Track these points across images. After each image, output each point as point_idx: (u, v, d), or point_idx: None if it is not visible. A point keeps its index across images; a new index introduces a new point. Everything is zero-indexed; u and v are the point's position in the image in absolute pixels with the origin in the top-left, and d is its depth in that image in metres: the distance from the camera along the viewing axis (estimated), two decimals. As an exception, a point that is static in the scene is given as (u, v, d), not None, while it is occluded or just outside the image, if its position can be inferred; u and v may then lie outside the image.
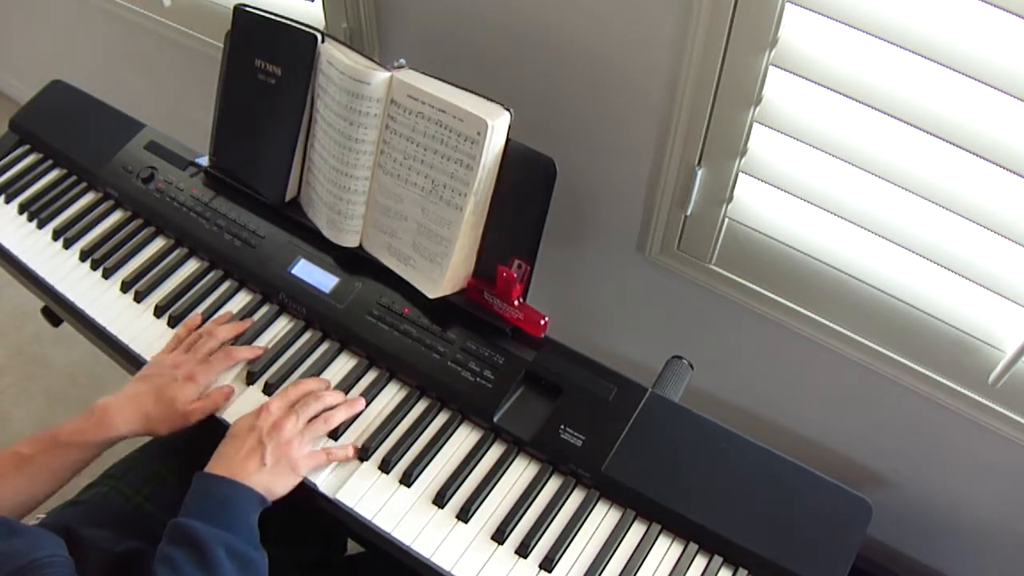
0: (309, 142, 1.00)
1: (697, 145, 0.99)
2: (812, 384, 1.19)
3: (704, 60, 0.90)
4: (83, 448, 0.83)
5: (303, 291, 0.98)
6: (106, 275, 1.03)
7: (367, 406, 0.90)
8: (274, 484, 0.80)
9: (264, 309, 0.99)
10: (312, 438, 0.85)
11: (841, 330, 1.06)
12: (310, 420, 0.86)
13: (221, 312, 0.99)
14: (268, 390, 0.92)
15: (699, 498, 0.81)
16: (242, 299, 1.00)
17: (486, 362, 0.90)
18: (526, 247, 0.90)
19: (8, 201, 1.13)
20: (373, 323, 0.94)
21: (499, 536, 0.81)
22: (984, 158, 0.78)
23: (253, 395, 0.92)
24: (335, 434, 0.88)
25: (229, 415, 0.89)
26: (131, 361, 0.96)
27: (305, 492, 0.84)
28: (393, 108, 0.92)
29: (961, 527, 1.18)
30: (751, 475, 0.82)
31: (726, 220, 1.05)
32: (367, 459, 0.86)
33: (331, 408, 0.88)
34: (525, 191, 0.89)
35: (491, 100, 0.88)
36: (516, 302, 0.91)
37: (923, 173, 0.85)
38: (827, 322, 1.06)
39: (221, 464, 0.80)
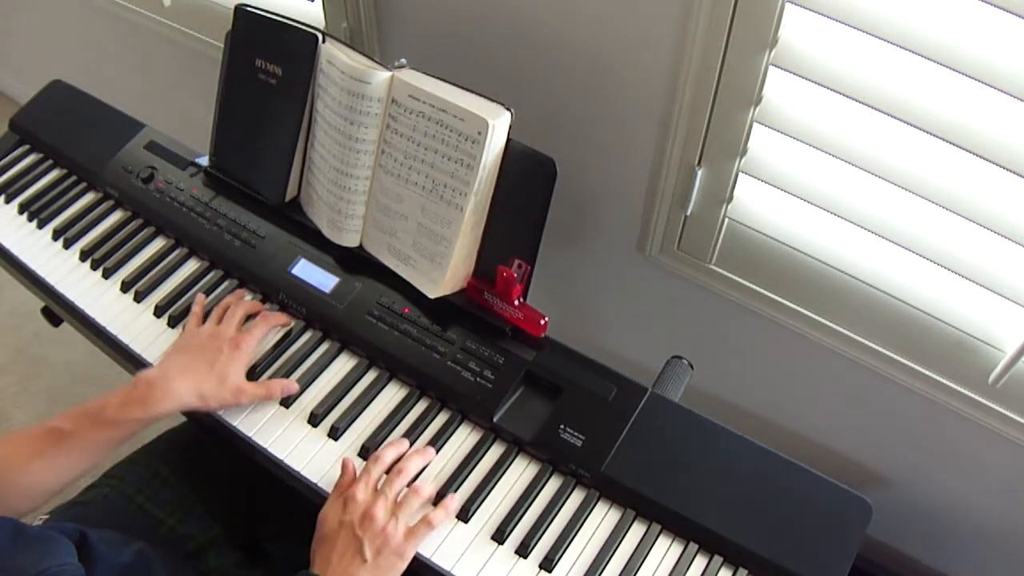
0: (309, 142, 1.00)
1: (697, 145, 0.99)
2: (812, 384, 1.19)
3: (704, 60, 0.90)
4: (128, 424, 0.81)
5: (303, 291, 0.98)
6: (106, 275, 1.03)
7: (367, 406, 0.90)
8: None
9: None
10: (407, 515, 0.78)
11: (841, 330, 1.06)
12: (400, 498, 0.79)
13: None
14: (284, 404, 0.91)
15: (699, 498, 0.81)
16: (242, 299, 1.00)
17: (486, 362, 0.90)
18: (526, 247, 0.90)
19: (8, 201, 1.13)
20: (373, 323, 0.94)
21: (499, 536, 0.81)
22: (984, 158, 0.78)
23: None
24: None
25: (246, 427, 0.88)
26: (131, 361, 0.96)
27: (306, 491, 0.84)
28: (394, 108, 0.92)
29: (961, 527, 1.18)
30: (751, 475, 0.82)
31: (726, 220, 1.05)
32: (367, 459, 0.86)
33: (417, 481, 0.82)
34: (525, 191, 0.89)
35: (492, 100, 0.88)
36: (516, 302, 0.91)
37: (923, 173, 0.85)
38: (827, 322, 1.06)
39: (321, 566, 0.75)
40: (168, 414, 0.83)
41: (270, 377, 0.92)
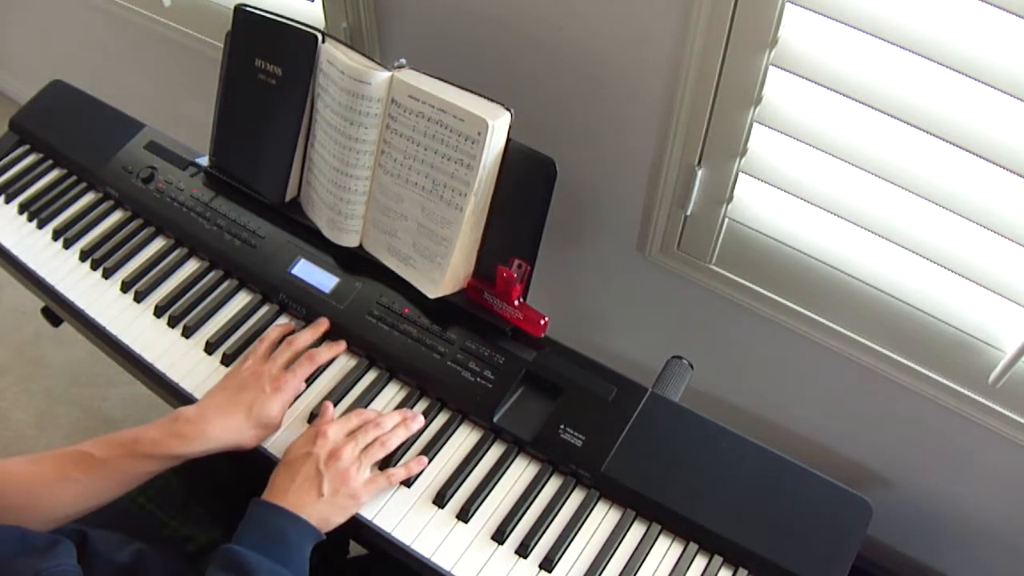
0: (309, 142, 1.00)
1: (697, 145, 0.99)
2: (812, 384, 1.19)
3: (704, 60, 0.90)
4: (162, 460, 0.79)
5: (303, 291, 0.98)
6: (106, 275, 1.03)
7: (367, 406, 0.90)
8: (332, 515, 0.78)
9: (264, 309, 0.99)
10: (370, 463, 0.82)
11: (841, 330, 1.06)
12: (368, 445, 0.83)
13: (223, 313, 0.99)
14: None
15: (699, 498, 0.81)
16: (242, 299, 1.00)
17: (486, 362, 0.90)
18: (526, 247, 0.90)
19: (8, 201, 1.13)
20: (373, 323, 0.94)
21: (499, 536, 0.81)
22: (984, 158, 0.78)
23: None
24: (392, 458, 0.85)
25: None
26: (131, 361, 0.96)
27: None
28: (394, 108, 0.92)
29: (961, 527, 1.18)
30: (751, 475, 0.82)
31: (726, 220, 1.05)
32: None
33: (389, 432, 0.85)
34: (525, 191, 0.89)
35: (492, 100, 0.88)
36: (516, 302, 0.91)
37: (923, 173, 0.85)
38: (827, 322, 1.06)
39: (277, 492, 0.77)
40: (203, 454, 0.81)
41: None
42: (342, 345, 0.93)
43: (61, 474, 0.76)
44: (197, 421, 0.81)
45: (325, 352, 0.92)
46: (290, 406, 0.88)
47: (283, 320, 0.98)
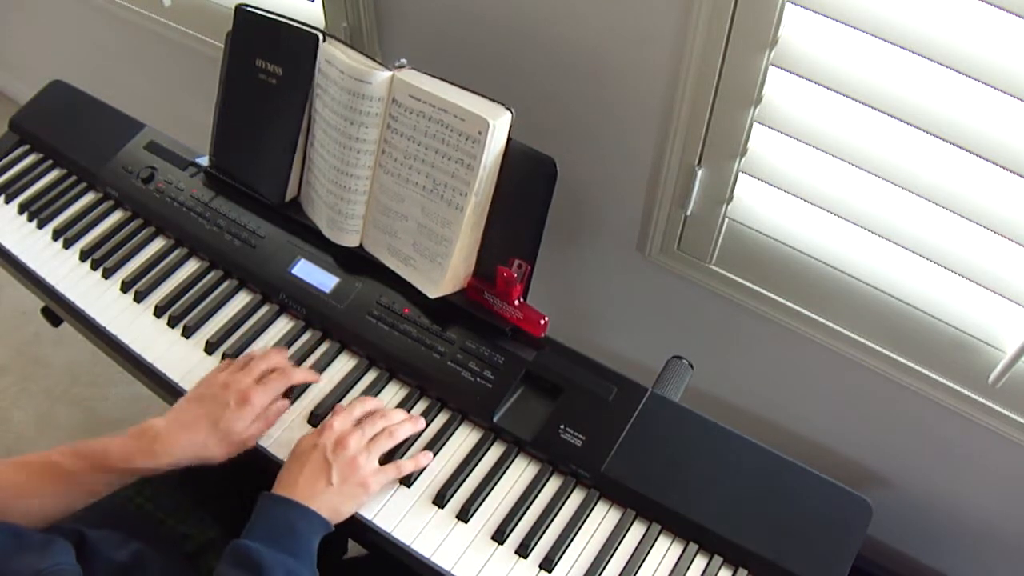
0: (309, 142, 1.00)
1: (697, 145, 0.99)
2: (812, 384, 1.19)
3: (704, 60, 0.90)
4: (129, 474, 0.79)
5: (303, 291, 0.98)
6: (106, 275, 1.03)
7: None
8: (342, 504, 0.78)
9: (264, 309, 0.99)
10: (379, 453, 0.82)
11: (841, 330, 1.06)
12: (374, 436, 0.83)
13: (223, 313, 0.99)
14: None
15: (699, 498, 0.81)
16: (242, 299, 1.00)
17: (486, 362, 0.90)
18: (526, 247, 0.90)
19: (8, 201, 1.13)
20: (373, 323, 0.94)
21: (499, 536, 0.81)
22: (984, 158, 0.78)
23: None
24: (397, 452, 0.86)
25: (262, 440, 0.87)
26: (131, 361, 0.96)
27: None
28: (394, 107, 0.92)
29: (961, 527, 1.18)
30: (751, 475, 0.82)
31: (726, 220, 1.05)
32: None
33: (395, 424, 0.85)
34: (526, 191, 0.89)
35: (492, 100, 0.88)
36: (516, 302, 0.91)
37: (923, 173, 0.85)
38: (827, 322, 1.06)
39: (285, 485, 0.77)
40: (171, 468, 0.80)
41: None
42: (318, 376, 0.91)
43: (30, 482, 0.76)
44: (164, 437, 0.79)
45: (300, 373, 0.89)
46: (269, 425, 0.86)
47: (282, 321, 0.98)
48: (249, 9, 1.00)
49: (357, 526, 0.82)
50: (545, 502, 0.83)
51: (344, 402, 0.91)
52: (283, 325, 0.98)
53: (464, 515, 0.82)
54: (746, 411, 1.30)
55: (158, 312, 0.99)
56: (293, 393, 0.90)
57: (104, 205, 1.10)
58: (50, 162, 1.16)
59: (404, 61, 0.93)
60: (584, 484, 0.84)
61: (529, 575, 0.79)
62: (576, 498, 0.84)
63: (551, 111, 1.12)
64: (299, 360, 0.94)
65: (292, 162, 1.02)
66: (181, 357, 0.95)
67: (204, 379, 0.87)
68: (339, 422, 0.82)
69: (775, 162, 0.96)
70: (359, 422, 0.84)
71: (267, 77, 1.00)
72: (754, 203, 1.02)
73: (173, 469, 0.80)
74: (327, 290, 0.97)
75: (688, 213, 1.07)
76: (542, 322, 0.90)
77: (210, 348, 0.95)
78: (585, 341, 1.02)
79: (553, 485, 0.85)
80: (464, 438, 0.88)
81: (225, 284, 1.02)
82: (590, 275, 1.32)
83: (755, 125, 0.93)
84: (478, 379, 0.89)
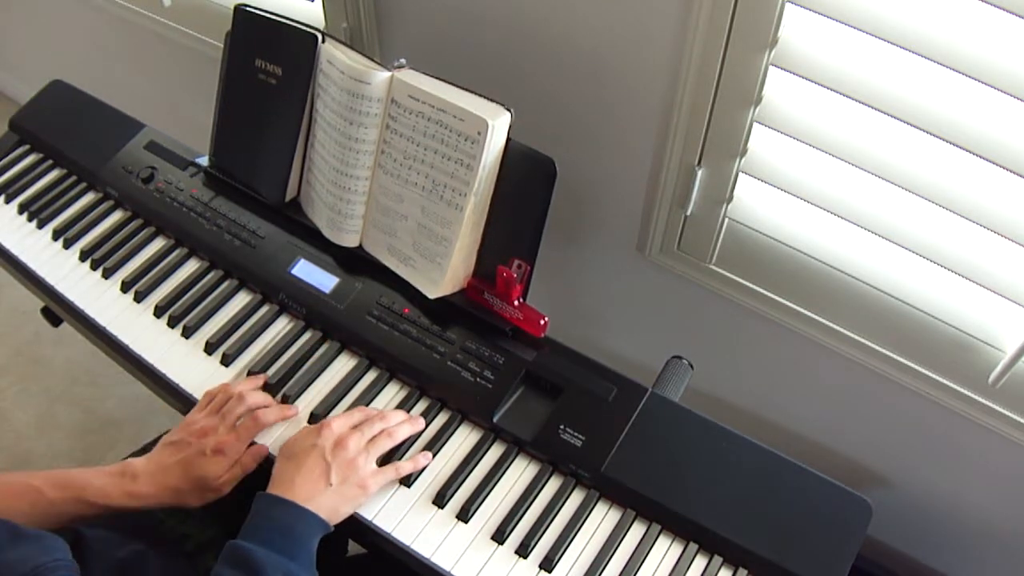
0: (309, 142, 1.00)
1: (697, 145, 0.99)
2: (812, 384, 1.19)
3: (704, 60, 0.90)
4: (106, 510, 0.78)
5: (303, 291, 0.98)
6: (106, 275, 1.03)
7: (368, 407, 0.90)
8: (341, 504, 0.78)
9: (264, 309, 0.99)
10: (378, 453, 0.82)
11: (841, 330, 1.06)
12: (374, 437, 0.83)
13: (223, 314, 0.99)
14: (284, 400, 0.91)
15: (699, 498, 0.81)
16: (242, 299, 1.00)
17: (486, 362, 0.90)
18: (526, 247, 0.90)
19: (8, 201, 1.13)
20: (373, 323, 0.94)
21: (499, 536, 0.81)
22: (984, 158, 0.78)
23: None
24: (396, 454, 0.86)
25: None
26: (131, 361, 0.96)
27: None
28: (393, 108, 0.92)
29: (961, 527, 1.18)
30: (751, 475, 0.82)
31: (726, 220, 1.05)
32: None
33: (394, 425, 0.85)
34: (525, 191, 0.89)
35: (491, 100, 0.88)
36: (516, 302, 0.91)
37: (923, 173, 0.85)
38: (827, 322, 1.06)
39: (283, 485, 0.77)
40: (147, 509, 0.80)
41: (270, 375, 0.92)
42: (295, 410, 0.90)
43: (9, 503, 0.76)
44: (141, 480, 0.79)
45: (273, 413, 0.87)
46: (247, 471, 0.84)
47: (282, 321, 0.98)
48: (248, 9, 1.00)
49: (357, 526, 0.82)
50: (545, 502, 0.83)
51: (344, 403, 0.91)
52: (283, 325, 0.98)
53: (464, 515, 0.82)
54: (746, 411, 1.30)
55: (158, 312, 0.99)
56: (293, 400, 0.90)
57: (104, 205, 1.10)
58: (50, 162, 1.16)
59: (403, 61, 0.93)
60: (584, 484, 0.84)
61: (529, 575, 0.79)
62: (576, 498, 0.84)
63: (551, 111, 1.12)
64: (299, 360, 0.94)
65: (292, 162, 1.02)
66: (181, 357, 0.95)
67: (184, 422, 0.87)
68: (338, 423, 0.82)
69: (775, 162, 0.96)
70: (358, 425, 0.84)
71: (267, 77, 1.00)
72: (754, 203, 1.02)
73: (156, 508, 0.80)
74: (327, 290, 0.97)
75: (688, 213, 1.07)
76: (542, 322, 0.90)
77: (210, 348, 0.95)
78: (585, 341, 1.02)
79: (553, 485, 0.85)
80: (464, 438, 0.88)
81: (225, 284, 1.02)
82: (590, 275, 1.32)
83: (755, 125, 0.93)
84: (478, 379, 0.89)
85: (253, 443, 0.86)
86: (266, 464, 0.85)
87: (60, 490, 0.77)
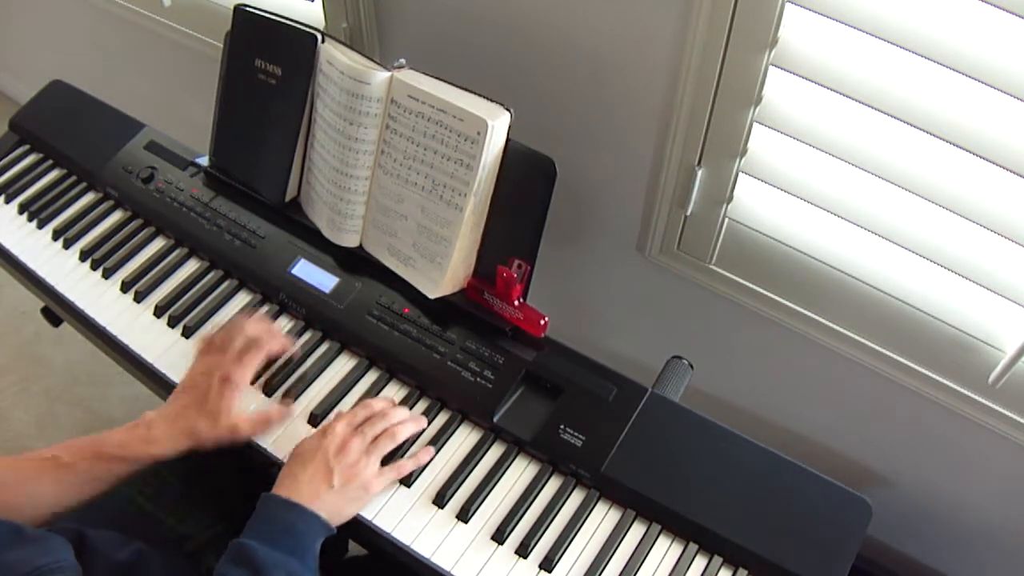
0: (309, 142, 1.00)
1: (697, 145, 0.99)
2: (812, 384, 1.19)
3: (704, 60, 0.90)
4: (127, 462, 0.80)
5: (303, 291, 0.98)
6: (106, 275, 1.03)
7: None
8: (344, 506, 0.79)
9: (264, 309, 0.99)
10: (380, 455, 0.83)
11: (841, 330, 1.06)
12: (376, 438, 0.83)
13: (223, 313, 0.99)
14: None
15: (699, 498, 0.81)
16: (242, 299, 1.00)
17: (486, 362, 0.90)
18: (526, 247, 0.90)
19: (8, 201, 1.12)
20: (373, 323, 0.94)
21: (499, 536, 0.81)
22: (984, 158, 0.78)
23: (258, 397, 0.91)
24: (398, 452, 0.86)
25: (262, 440, 0.88)
26: (131, 361, 0.96)
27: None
28: (393, 108, 0.92)
29: (961, 527, 1.18)
30: (751, 475, 0.82)
31: (726, 220, 1.05)
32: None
33: (397, 424, 0.86)
34: (525, 191, 0.89)
35: (491, 100, 0.88)
36: (516, 302, 0.91)
37: (923, 173, 0.85)
38: (827, 322, 1.06)
39: (287, 486, 0.78)
40: (165, 457, 0.81)
41: (274, 382, 0.92)
42: (293, 342, 0.92)
43: (33, 477, 0.77)
44: (158, 423, 0.82)
45: (277, 342, 0.90)
46: (266, 423, 0.86)
47: (282, 321, 0.98)
48: (248, 9, 1.00)
49: (357, 526, 0.82)
50: (545, 502, 0.83)
51: (344, 403, 0.91)
52: (283, 325, 0.98)
53: (464, 515, 0.82)
54: (746, 411, 1.30)
55: (158, 312, 0.99)
56: (292, 400, 0.91)
57: (104, 205, 1.10)
58: (50, 162, 1.16)
59: (403, 61, 0.93)
60: (584, 484, 0.84)
61: (529, 575, 0.79)
62: (576, 498, 0.84)
63: (551, 111, 1.12)
64: (299, 360, 0.94)
65: (292, 162, 1.02)
66: (181, 357, 0.95)
67: (191, 366, 0.89)
68: (341, 426, 0.83)
69: (775, 162, 0.96)
70: (361, 424, 0.84)
71: (266, 77, 1.00)
72: (754, 203, 1.02)
73: (169, 459, 0.81)
74: (327, 290, 0.97)
75: (688, 213, 1.07)
76: (542, 322, 0.90)
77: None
78: (585, 341, 1.02)
79: (553, 485, 0.85)
80: (464, 438, 0.88)
81: (225, 284, 1.02)
82: (590, 275, 1.32)
83: (755, 125, 0.93)
84: (478, 379, 0.89)
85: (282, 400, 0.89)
86: (270, 467, 0.85)
87: (77, 452, 0.78)
